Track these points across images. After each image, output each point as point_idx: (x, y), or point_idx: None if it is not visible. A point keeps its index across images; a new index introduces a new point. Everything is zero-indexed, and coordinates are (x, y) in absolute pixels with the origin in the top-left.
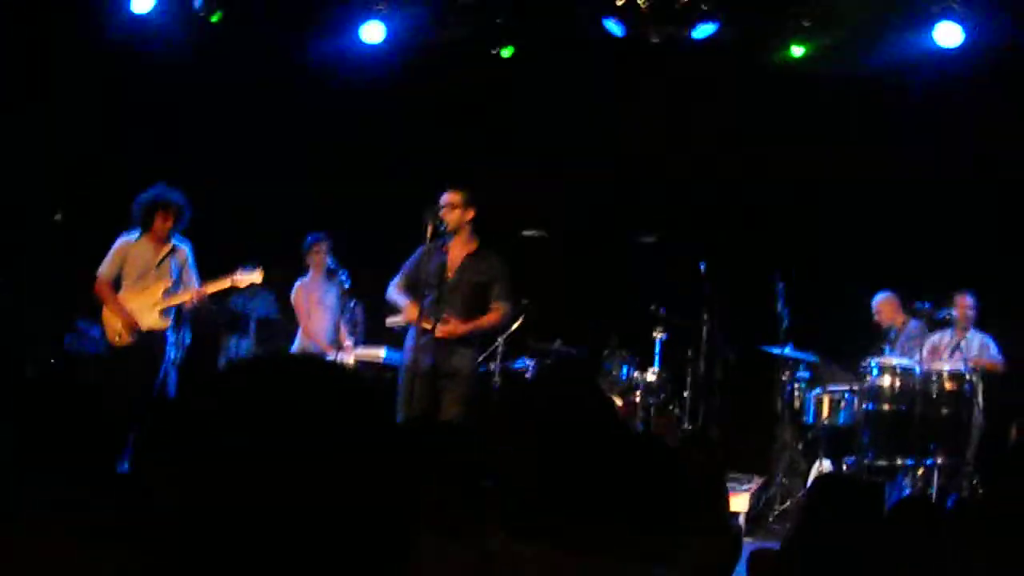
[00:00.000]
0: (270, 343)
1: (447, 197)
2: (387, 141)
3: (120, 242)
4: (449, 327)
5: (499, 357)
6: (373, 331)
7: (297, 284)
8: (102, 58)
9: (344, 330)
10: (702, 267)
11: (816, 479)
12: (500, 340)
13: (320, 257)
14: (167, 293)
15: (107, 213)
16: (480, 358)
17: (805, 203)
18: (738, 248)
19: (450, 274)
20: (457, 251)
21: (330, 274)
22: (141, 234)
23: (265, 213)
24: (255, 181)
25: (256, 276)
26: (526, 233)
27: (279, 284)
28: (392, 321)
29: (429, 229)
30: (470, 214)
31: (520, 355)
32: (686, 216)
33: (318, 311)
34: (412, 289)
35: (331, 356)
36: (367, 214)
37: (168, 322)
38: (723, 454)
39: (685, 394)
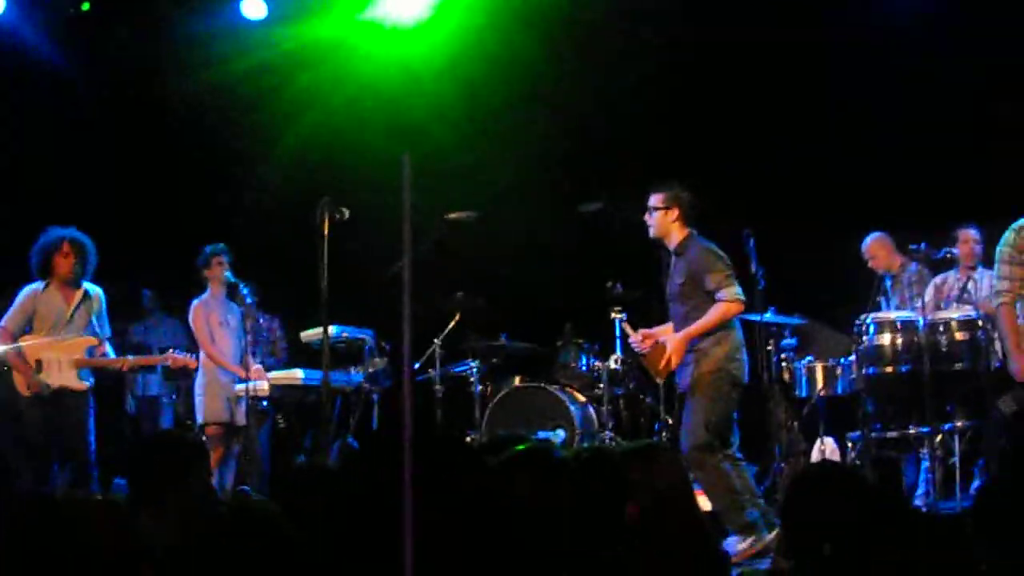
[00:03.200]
0: (180, 376)
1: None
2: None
3: (25, 292)
4: (669, 350)
5: (438, 361)
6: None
7: (195, 304)
8: None
9: (249, 353)
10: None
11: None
12: (436, 343)
13: (219, 271)
14: (91, 352)
15: None
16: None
17: (764, 147)
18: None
19: (667, 286)
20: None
21: (231, 289)
22: (46, 283)
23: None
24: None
25: (192, 361)
26: (451, 216)
27: (181, 307)
28: (308, 336)
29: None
30: (673, 214)
31: (462, 358)
32: (631, 176)
33: (222, 333)
34: None
35: (242, 381)
36: (262, 221)
37: (85, 385)
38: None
39: (657, 380)
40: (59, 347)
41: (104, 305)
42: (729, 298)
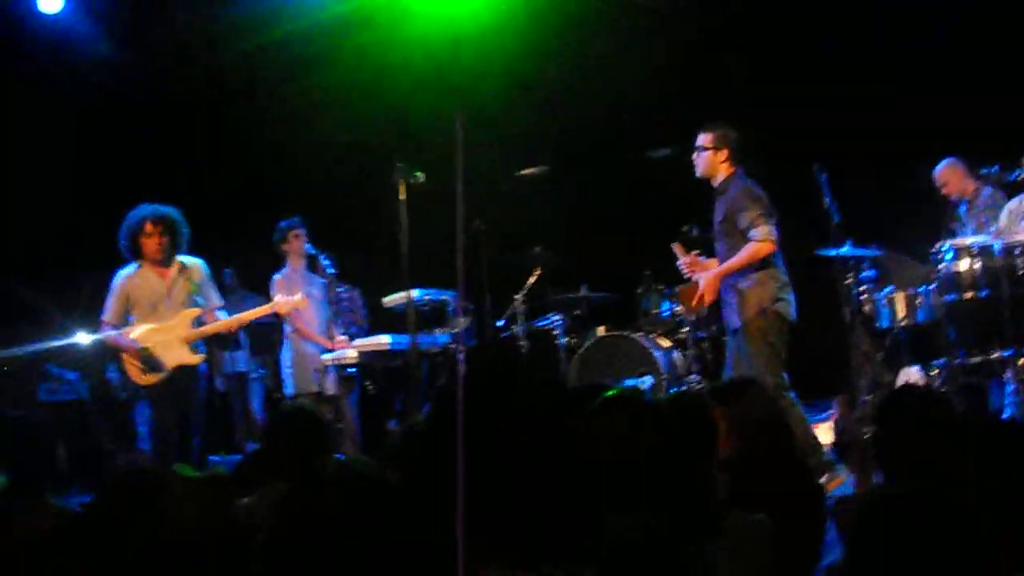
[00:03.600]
0: (267, 351)
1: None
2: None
3: (118, 278)
4: (701, 287)
5: (521, 316)
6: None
7: (276, 279)
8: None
9: (333, 323)
10: None
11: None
12: (519, 298)
13: (298, 244)
14: (197, 323)
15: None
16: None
17: (829, 79)
18: (765, 142)
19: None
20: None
21: (311, 262)
22: (138, 265)
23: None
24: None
25: (300, 301)
26: (523, 172)
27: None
28: (390, 301)
29: None
30: (723, 154)
31: (544, 312)
32: (698, 119)
33: (307, 306)
34: None
35: (328, 351)
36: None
37: (200, 357)
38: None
39: (689, 317)
40: (163, 330)
41: (207, 275)
42: (760, 237)
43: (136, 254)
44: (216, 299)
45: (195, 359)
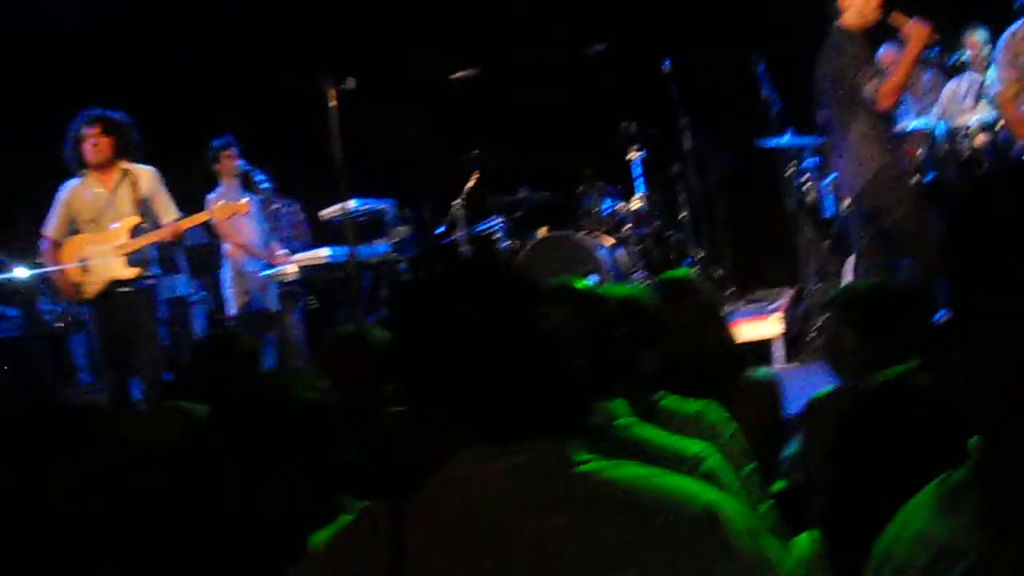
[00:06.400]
0: (206, 273)
1: None
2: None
3: (62, 191)
4: None
5: (461, 222)
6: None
7: (210, 199)
8: None
9: (273, 239)
10: (666, 65)
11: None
12: (458, 203)
13: (230, 163)
14: (136, 233)
15: None
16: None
17: None
18: (700, 34)
19: None
20: None
21: (245, 179)
22: (82, 176)
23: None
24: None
25: (241, 205)
26: (457, 75)
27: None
28: (327, 214)
29: None
30: None
31: (485, 215)
32: (632, 11)
33: (244, 223)
34: None
35: (269, 267)
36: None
37: (135, 271)
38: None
39: (682, 216)
40: (100, 239)
41: (158, 183)
42: None
43: (79, 163)
44: (172, 211)
45: (129, 272)
